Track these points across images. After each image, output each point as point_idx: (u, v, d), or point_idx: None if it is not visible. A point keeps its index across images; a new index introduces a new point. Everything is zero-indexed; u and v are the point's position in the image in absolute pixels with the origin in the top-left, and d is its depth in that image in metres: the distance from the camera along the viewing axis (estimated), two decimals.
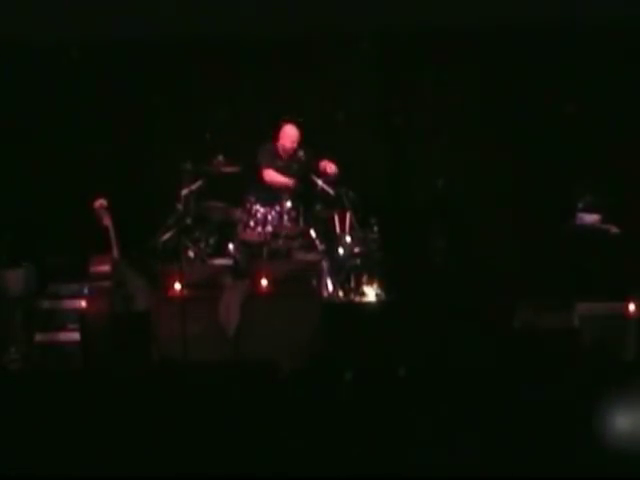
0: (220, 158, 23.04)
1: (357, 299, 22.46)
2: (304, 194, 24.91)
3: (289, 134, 23.54)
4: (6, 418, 12.24)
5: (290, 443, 11.98)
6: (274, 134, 23.64)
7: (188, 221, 22.87)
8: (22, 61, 24.59)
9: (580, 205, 22.65)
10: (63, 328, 21.63)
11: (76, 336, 20.88)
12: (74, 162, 25.13)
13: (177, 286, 20.15)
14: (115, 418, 12.19)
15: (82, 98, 25.09)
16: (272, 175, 23.89)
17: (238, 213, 23.93)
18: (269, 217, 25.13)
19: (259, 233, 25.03)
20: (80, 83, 25.07)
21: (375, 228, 24.80)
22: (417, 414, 12.89)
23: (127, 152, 25.45)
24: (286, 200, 24.00)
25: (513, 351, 17.43)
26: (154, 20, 23.26)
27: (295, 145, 23.59)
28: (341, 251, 24.62)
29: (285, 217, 25.31)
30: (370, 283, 22.76)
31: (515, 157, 25.33)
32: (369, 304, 22.26)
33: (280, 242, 24.82)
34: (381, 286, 22.60)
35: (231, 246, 24.17)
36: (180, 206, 22.72)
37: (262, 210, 25.18)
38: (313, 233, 25.05)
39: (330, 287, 22.96)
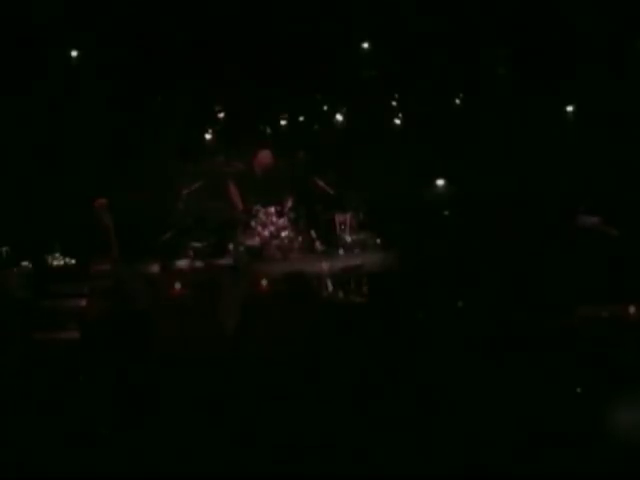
0: (220, 158, 23.05)
1: (357, 299, 22.45)
2: (305, 195, 25.02)
3: (262, 161, 23.66)
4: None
5: (287, 438, 11.99)
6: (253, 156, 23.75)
7: (188, 221, 22.83)
8: None
9: (582, 208, 22.63)
10: (63, 327, 21.61)
11: (76, 335, 20.86)
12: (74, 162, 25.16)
13: (177, 286, 20.10)
14: (115, 415, 12.19)
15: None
16: (232, 192, 24.01)
17: (239, 214, 23.94)
18: (270, 218, 25.19)
19: (259, 234, 25.08)
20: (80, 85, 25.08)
21: (375, 229, 24.94)
22: (415, 413, 12.91)
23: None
24: (287, 201, 24.03)
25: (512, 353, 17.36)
26: None
27: (267, 171, 23.73)
28: (341, 252, 24.72)
29: (285, 218, 25.36)
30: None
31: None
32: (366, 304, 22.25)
33: (280, 243, 24.87)
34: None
35: (231, 246, 24.22)
36: (181, 206, 22.70)
37: (263, 211, 25.25)
38: (313, 234, 25.12)
39: (330, 287, 22.97)
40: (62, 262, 24.15)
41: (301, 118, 25.68)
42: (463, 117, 25.63)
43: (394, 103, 25.93)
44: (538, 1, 23.30)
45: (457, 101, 25.69)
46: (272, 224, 25.51)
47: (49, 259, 24.06)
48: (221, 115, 25.32)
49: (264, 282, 21.17)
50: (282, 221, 26.57)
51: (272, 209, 26.05)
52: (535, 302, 19.20)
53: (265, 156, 23.29)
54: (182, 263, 24.99)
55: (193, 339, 18.84)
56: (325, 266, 23.50)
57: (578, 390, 13.65)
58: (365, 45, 24.81)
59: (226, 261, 24.13)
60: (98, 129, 25.14)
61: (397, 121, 25.83)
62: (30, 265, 23.47)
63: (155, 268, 24.41)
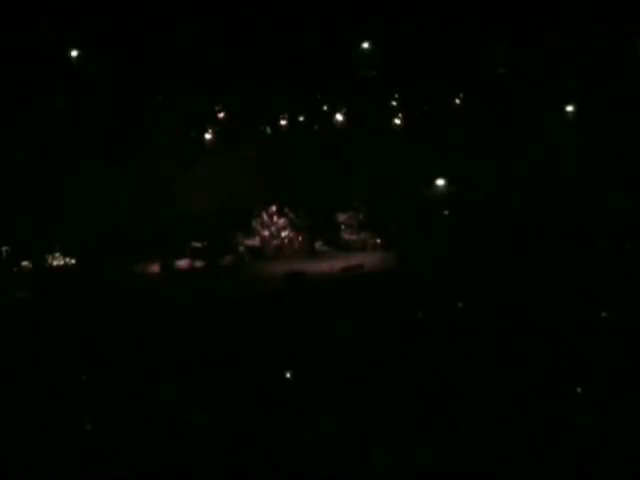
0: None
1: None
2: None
3: None
4: None
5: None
6: None
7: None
8: None
9: None
10: None
11: None
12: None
13: None
14: None
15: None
16: None
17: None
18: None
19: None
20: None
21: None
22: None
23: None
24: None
25: None
26: None
27: None
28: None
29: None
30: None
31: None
32: None
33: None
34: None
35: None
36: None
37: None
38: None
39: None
40: (62, 262, 24.20)
41: (301, 118, 25.70)
42: (463, 117, 25.63)
43: (394, 103, 25.94)
44: (538, 2, 23.32)
45: (457, 101, 25.70)
46: (272, 224, 25.61)
47: (49, 259, 24.10)
48: (221, 115, 25.34)
49: None
50: (282, 221, 26.63)
51: (272, 209, 26.14)
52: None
53: None
54: (182, 263, 25.08)
55: None
56: (325, 266, 23.55)
57: (578, 390, 13.64)
58: (365, 45, 24.83)
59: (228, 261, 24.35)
60: (98, 129, 25.10)
61: (397, 121, 25.85)
62: (30, 265, 23.56)
63: (155, 268, 24.55)
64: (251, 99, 25.06)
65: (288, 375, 14.87)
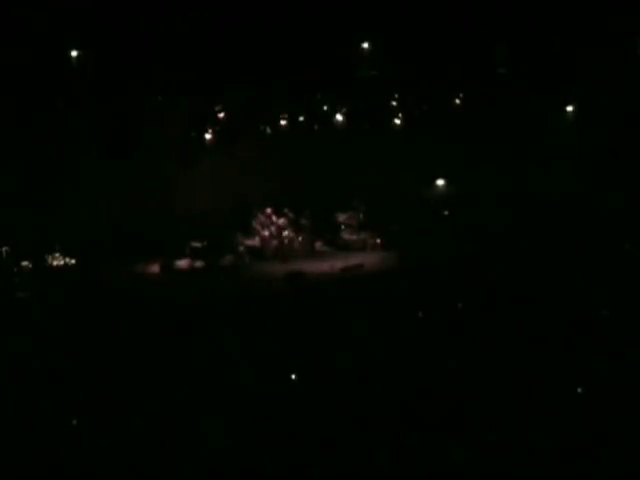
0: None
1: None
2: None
3: None
4: None
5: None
6: None
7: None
8: None
9: None
10: None
11: None
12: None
13: None
14: None
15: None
16: None
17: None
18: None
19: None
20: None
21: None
22: None
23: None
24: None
25: None
26: None
27: None
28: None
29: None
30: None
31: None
32: None
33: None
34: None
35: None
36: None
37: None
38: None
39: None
40: (62, 262, 24.20)
41: (301, 118, 25.73)
42: (463, 117, 25.66)
43: (394, 103, 25.98)
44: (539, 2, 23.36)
45: (457, 101, 25.74)
46: (272, 224, 25.61)
47: (49, 259, 24.10)
48: (221, 115, 25.36)
49: None
50: (282, 221, 26.65)
51: (272, 209, 26.12)
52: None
53: None
54: (182, 263, 25.08)
55: None
56: (325, 266, 23.55)
57: (579, 390, 13.65)
58: (365, 45, 24.87)
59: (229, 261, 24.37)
60: (98, 129, 25.12)
61: (397, 121, 25.88)
62: (30, 265, 23.56)
63: (155, 268, 24.56)
64: (251, 99, 25.08)
65: (292, 376, 14.88)
